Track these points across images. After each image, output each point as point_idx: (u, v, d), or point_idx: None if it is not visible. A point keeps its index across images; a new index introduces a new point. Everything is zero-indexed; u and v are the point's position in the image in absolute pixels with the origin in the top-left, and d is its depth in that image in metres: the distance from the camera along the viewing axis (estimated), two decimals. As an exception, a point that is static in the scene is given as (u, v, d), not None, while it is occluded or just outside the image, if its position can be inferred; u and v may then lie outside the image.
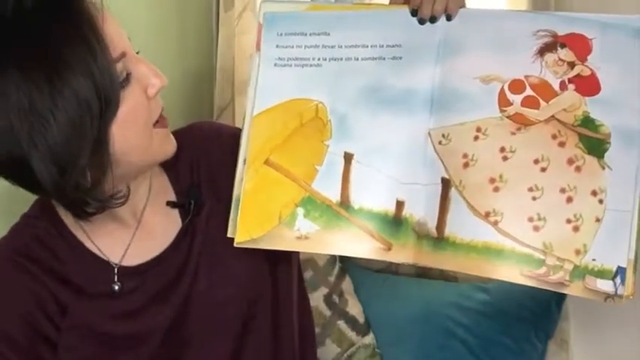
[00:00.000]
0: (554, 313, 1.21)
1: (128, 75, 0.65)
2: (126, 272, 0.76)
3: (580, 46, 0.68)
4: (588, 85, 0.67)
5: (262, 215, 0.71)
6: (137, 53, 0.69)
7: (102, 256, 0.75)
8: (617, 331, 1.27)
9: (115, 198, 0.69)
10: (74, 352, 0.74)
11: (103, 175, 0.65)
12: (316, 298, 1.20)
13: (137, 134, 0.67)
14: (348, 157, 0.71)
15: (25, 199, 0.77)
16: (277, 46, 0.74)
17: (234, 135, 0.76)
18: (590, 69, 0.67)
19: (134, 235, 0.77)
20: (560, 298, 1.18)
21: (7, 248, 0.75)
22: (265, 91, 0.74)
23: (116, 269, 0.75)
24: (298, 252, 0.86)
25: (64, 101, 0.61)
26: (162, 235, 0.78)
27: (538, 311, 1.18)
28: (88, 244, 0.75)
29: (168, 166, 0.80)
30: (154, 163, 0.73)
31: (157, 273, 0.76)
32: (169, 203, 0.78)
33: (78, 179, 0.64)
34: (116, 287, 0.75)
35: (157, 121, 0.70)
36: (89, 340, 0.74)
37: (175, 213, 0.79)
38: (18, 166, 0.63)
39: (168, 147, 0.72)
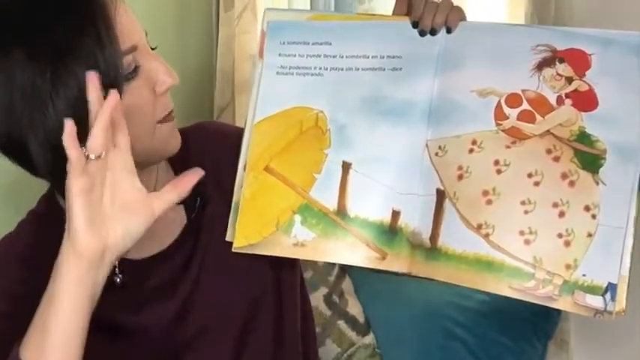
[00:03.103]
0: (553, 313, 1.21)
1: (137, 68, 0.65)
2: (128, 265, 0.76)
3: (579, 61, 0.68)
4: (585, 101, 0.67)
5: (260, 221, 0.73)
6: (153, 49, 0.69)
7: None
8: (617, 331, 1.27)
9: None
10: None
11: None
12: (316, 298, 1.22)
13: (137, 130, 0.66)
14: (345, 166, 0.72)
15: (32, 195, 0.79)
16: (280, 55, 0.75)
17: (239, 135, 0.77)
18: (588, 84, 0.67)
19: None
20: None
21: (15, 244, 0.76)
22: (267, 99, 0.75)
23: (117, 262, 0.75)
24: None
25: (66, 89, 0.61)
26: (167, 232, 0.78)
27: (538, 311, 1.18)
28: None
29: (175, 164, 0.80)
30: (157, 158, 0.73)
31: (160, 269, 0.77)
32: None
33: None
34: (118, 279, 0.75)
35: (162, 119, 0.70)
36: (91, 330, 0.75)
37: (181, 210, 0.79)
38: (16, 147, 0.64)
39: (171, 143, 0.72)
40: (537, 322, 1.20)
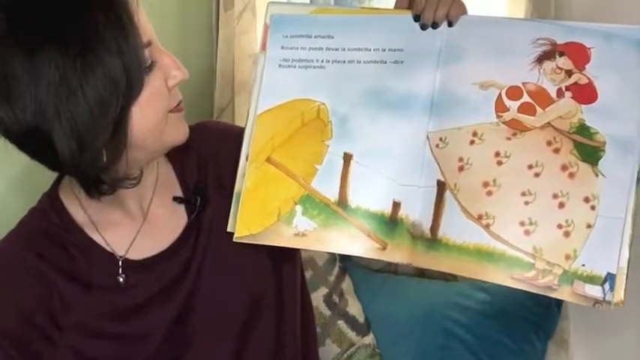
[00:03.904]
0: (554, 312, 1.21)
1: (153, 63, 0.67)
2: (131, 265, 0.76)
3: (578, 54, 0.69)
4: (585, 93, 0.68)
5: (262, 211, 0.73)
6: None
7: (108, 248, 0.76)
8: (617, 331, 1.26)
9: (129, 179, 0.70)
10: (77, 346, 0.75)
11: (119, 156, 0.67)
12: (316, 298, 1.21)
13: (154, 119, 0.69)
14: (347, 158, 0.73)
15: (41, 186, 0.79)
16: (282, 48, 0.76)
17: (240, 134, 0.77)
18: (588, 77, 0.68)
19: (140, 228, 0.78)
20: (561, 297, 1.18)
21: (16, 244, 0.76)
22: (269, 91, 0.76)
23: (121, 262, 0.76)
24: (300, 249, 0.88)
25: (95, 78, 0.62)
26: (168, 231, 0.79)
27: (538, 311, 1.19)
28: (95, 237, 0.76)
29: (176, 162, 0.81)
30: (166, 147, 0.74)
31: (162, 268, 0.77)
32: (176, 199, 0.80)
33: (95, 157, 0.65)
34: (121, 279, 0.76)
35: (174, 108, 0.71)
36: (93, 334, 0.75)
37: (181, 209, 0.80)
38: (39, 138, 0.64)
39: (180, 131, 0.73)
40: (537, 322, 1.20)
